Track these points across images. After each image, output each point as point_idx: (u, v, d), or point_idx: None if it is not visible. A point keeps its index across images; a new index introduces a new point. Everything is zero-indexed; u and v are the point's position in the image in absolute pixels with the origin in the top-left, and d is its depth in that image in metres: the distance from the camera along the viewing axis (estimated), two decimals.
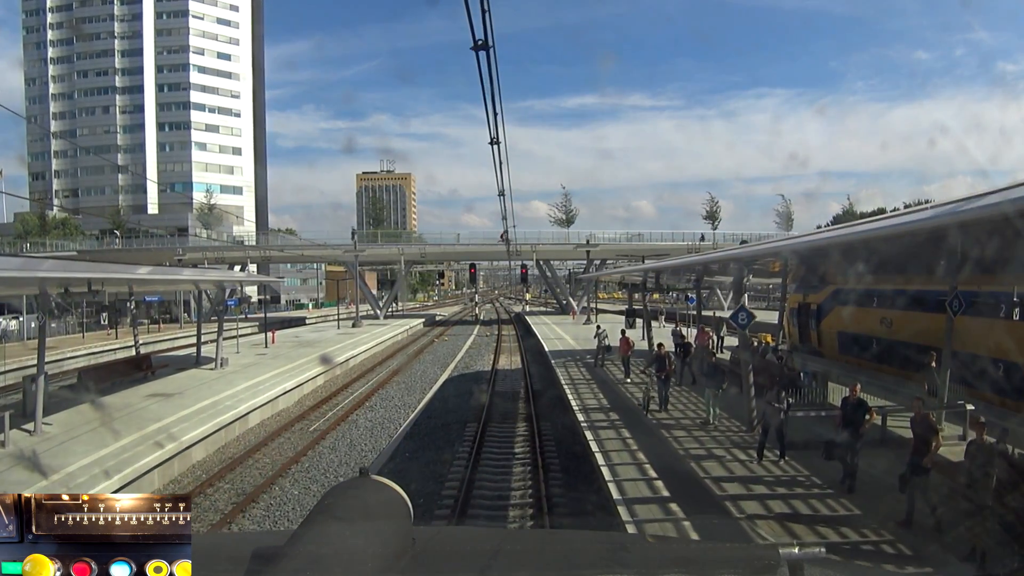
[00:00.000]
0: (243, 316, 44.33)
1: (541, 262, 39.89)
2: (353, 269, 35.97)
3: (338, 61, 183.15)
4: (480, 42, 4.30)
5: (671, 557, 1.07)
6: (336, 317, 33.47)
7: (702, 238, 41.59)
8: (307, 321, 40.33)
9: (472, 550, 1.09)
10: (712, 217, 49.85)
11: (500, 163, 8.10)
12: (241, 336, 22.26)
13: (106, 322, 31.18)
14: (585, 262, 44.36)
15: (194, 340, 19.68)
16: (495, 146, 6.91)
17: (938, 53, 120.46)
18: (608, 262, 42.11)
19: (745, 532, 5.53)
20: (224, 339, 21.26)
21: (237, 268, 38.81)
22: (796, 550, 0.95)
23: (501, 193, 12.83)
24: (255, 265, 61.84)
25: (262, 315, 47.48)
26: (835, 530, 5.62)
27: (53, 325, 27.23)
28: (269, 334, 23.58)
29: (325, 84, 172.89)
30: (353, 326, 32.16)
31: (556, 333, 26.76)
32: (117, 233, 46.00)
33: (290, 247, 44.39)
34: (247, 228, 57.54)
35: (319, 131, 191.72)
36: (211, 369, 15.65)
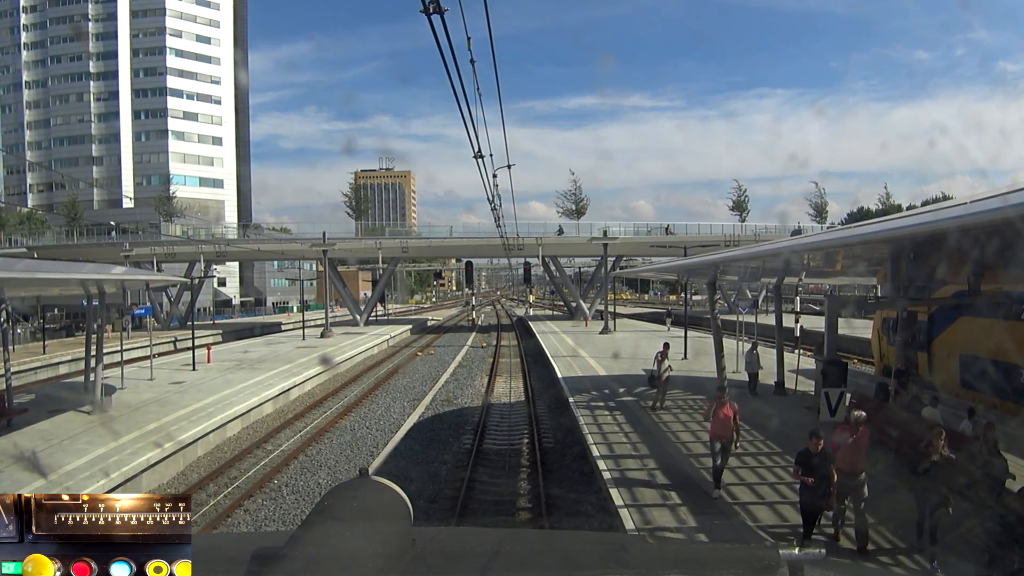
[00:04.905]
0: (211, 322, 44.58)
1: (547, 259, 38.92)
2: (325, 265, 34.32)
3: (339, 62, 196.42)
4: (431, 3, 3.15)
5: (671, 557, 1.14)
6: (302, 324, 29.89)
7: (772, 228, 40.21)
8: (283, 327, 38.10)
9: (472, 551, 1.16)
10: (740, 208, 48.74)
11: (487, 171, 7.88)
12: (193, 348, 19.30)
13: (71, 329, 31.11)
14: (590, 260, 43.86)
15: (148, 353, 17.91)
16: (480, 160, 6.77)
17: (938, 53, 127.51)
18: (624, 258, 41.68)
19: (745, 533, 5.57)
20: (134, 358, 18.65)
21: (198, 266, 38.47)
22: (796, 551, 1.02)
23: (491, 201, 12.40)
24: (237, 264, 62.44)
25: (234, 320, 47.55)
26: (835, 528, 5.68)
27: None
28: (203, 350, 20.24)
29: (326, 85, 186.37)
30: (321, 336, 29.16)
31: (569, 347, 22.96)
32: (113, 224, 46.07)
33: (255, 241, 43.27)
34: (232, 224, 57.80)
35: (320, 132, 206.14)
36: (87, 412, 12.04)
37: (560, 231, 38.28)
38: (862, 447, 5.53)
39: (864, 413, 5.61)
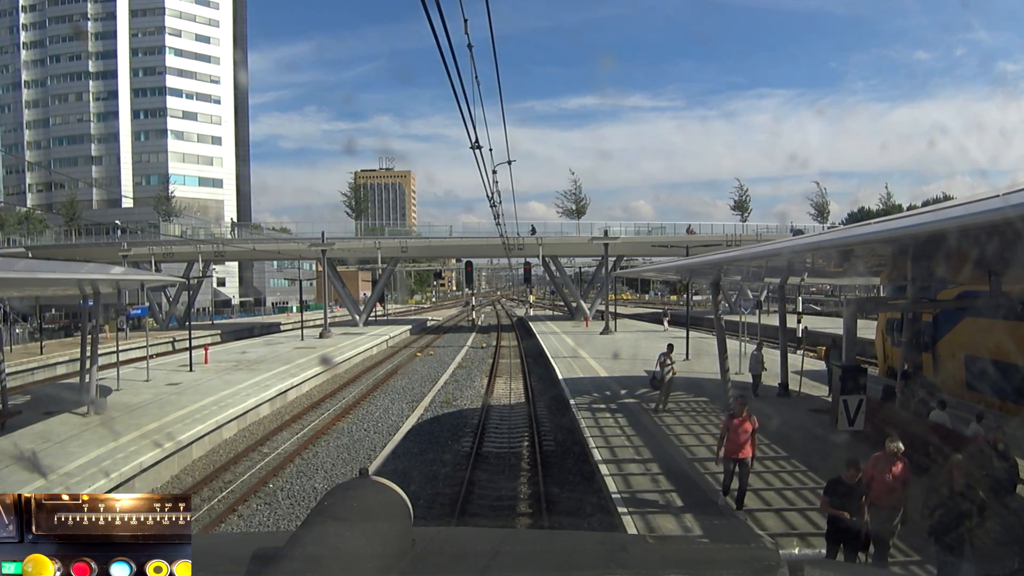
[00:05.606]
0: (210, 322, 44.60)
1: (548, 259, 38.97)
2: (323, 265, 34.39)
3: (339, 63, 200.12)
4: None
5: (671, 557, 1.14)
6: (301, 325, 29.83)
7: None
8: (282, 327, 38.07)
9: (472, 551, 1.17)
10: (741, 208, 48.80)
11: (485, 165, 7.99)
12: (190, 348, 18.97)
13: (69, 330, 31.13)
14: (590, 260, 43.84)
15: (150, 352, 17.87)
16: (477, 151, 6.80)
17: (938, 53, 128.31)
18: (625, 258, 41.76)
19: (745, 533, 5.58)
20: (132, 359, 18.39)
21: (196, 266, 38.55)
22: (796, 551, 1.02)
23: (490, 198, 12.43)
24: (236, 264, 62.49)
25: (233, 320, 47.56)
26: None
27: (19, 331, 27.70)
28: (202, 351, 20.19)
29: (326, 86, 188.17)
30: (320, 336, 29.25)
31: (569, 347, 22.77)
32: (119, 224, 46.09)
33: (254, 241, 43.01)
34: (232, 224, 57.82)
35: (320, 132, 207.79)
36: (82, 414, 11.94)
37: (532, 231, 37.93)
38: (901, 479, 4.84)
39: (901, 444, 4.94)
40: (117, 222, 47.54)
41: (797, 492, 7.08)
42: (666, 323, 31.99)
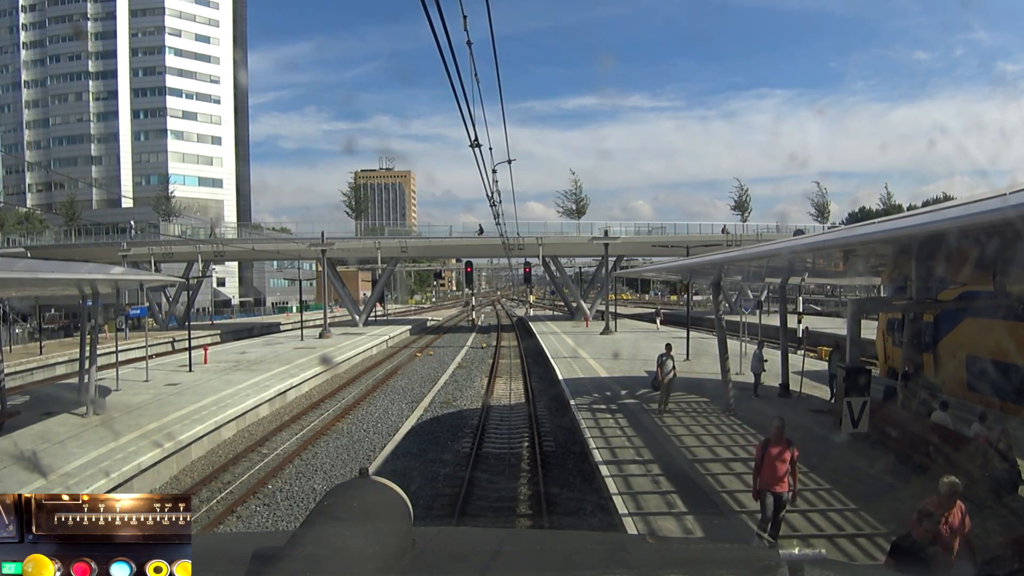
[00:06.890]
0: (210, 322, 44.62)
1: (548, 259, 39.01)
2: (323, 265, 34.47)
3: (339, 62, 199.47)
4: None
5: (671, 557, 1.14)
6: (300, 325, 29.79)
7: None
8: (282, 327, 38.12)
9: (472, 551, 1.17)
10: (742, 208, 48.80)
11: (485, 164, 8.05)
12: (189, 349, 19.20)
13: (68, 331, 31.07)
14: (590, 260, 43.86)
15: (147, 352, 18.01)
16: (477, 149, 6.81)
17: (938, 53, 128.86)
18: (625, 258, 41.81)
19: (745, 533, 5.55)
20: (131, 359, 18.71)
21: (196, 266, 38.56)
22: (796, 551, 1.02)
23: (490, 197, 12.47)
24: (236, 264, 62.47)
25: (233, 320, 47.59)
26: (835, 527, 5.65)
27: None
28: (201, 351, 20.30)
29: (326, 85, 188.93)
30: (320, 336, 29.41)
31: (569, 348, 22.86)
32: (132, 224, 46.09)
33: (253, 241, 43.01)
34: (231, 224, 57.75)
35: (320, 132, 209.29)
36: (81, 415, 11.90)
37: (480, 231, 37.79)
38: (958, 528, 3.84)
39: (958, 482, 4.02)
40: (131, 222, 47.56)
41: (798, 493, 7.04)
42: (659, 322, 32.03)
